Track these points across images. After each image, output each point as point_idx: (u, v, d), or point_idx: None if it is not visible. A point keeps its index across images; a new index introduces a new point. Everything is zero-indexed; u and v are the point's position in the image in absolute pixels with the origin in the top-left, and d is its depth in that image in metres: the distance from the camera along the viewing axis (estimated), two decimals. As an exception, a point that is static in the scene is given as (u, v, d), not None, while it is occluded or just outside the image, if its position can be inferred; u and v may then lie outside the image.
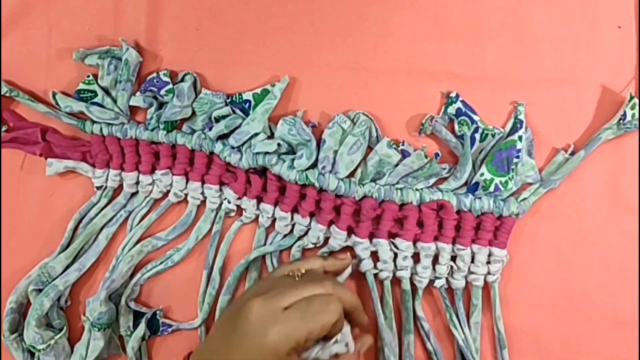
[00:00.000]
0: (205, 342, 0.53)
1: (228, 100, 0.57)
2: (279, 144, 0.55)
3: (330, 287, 0.49)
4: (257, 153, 0.55)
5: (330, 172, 0.55)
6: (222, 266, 0.58)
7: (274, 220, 0.57)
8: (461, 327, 0.55)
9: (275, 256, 0.57)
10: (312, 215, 0.56)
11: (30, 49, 0.60)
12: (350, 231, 0.56)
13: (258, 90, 0.57)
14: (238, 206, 0.58)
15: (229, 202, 0.57)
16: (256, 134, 0.56)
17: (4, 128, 0.59)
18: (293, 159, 0.55)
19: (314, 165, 0.55)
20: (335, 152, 0.55)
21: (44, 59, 0.60)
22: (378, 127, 0.56)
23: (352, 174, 0.55)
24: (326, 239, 0.57)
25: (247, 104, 0.57)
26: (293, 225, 0.57)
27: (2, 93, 0.58)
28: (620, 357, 0.55)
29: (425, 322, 0.55)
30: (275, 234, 0.58)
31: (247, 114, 0.57)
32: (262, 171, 0.57)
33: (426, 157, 0.54)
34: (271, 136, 0.57)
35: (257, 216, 0.58)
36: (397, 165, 0.54)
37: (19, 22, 0.60)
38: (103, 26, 0.60)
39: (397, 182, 0.55)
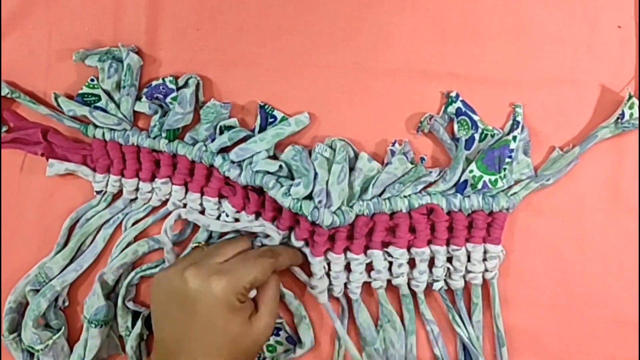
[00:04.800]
0: (157, 344, 0.51)
1: (261, 104, 0.57)
2: (280, 166, 0.54)
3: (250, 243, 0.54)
4: (257, 172, 0.55)
5: (325, 205, 0.53)
6: None
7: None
8: (464, 326, 0.55)
9: None
10: (306, 241, 0.56)
11: (30, 50, 0.60)
12: (345, 250, 0.56)
13: (292, 119, 0.56)
14: (236, 220, 0.57)
15: (227, 216, 0.57)
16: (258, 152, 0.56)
17: (4, 129, 0.59)
18: (290, 185, 0.54)
19: (309, 196, 0.54)
20: (327, 182, 0.54)
21: (44, 59, 0.60)
22: (355, 148, 0.56)
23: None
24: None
25: (273, 120, 0.57)
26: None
27: (3, 94, 0.58)
28: (620, 357, 0.55)
29: (435, 325, 0.55)
30: None
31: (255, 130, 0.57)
32: (261, 189, 0.56)
33: (412, 162, 0.54)
34: (273, 157, 0.56)
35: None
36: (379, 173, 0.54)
37: (19, 23, 0.60)
38: (103, 26, 0.60)
39: (384, 192, 0.55)
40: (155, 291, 0.51)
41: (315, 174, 0.54)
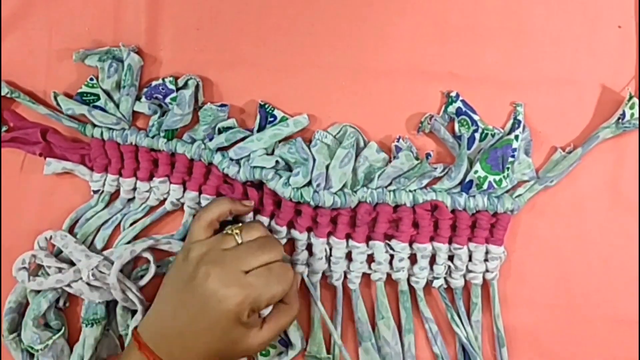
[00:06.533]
0: (154, 315, 0.51)
1: (261, 103, 0.57)
2: (277, 161, 0.55)
3: (282, 252, 0.51)
4: (255, 167, 0.55)
5: (324, 187, 0.55)
6: None
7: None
8: (463, 326, 0.55)
9: None
10: (309, 229, 0.56)
11: (30, 50, 0.60)
12: (347, 236, 0.56)
13: (291, 120, 0.56)
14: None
15: None
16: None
17: (4, 128, 0.59)
18: (289, 176, 0.55)
19: (308, 183, 0.55)
20: (327, 166, 0.55)
21: (44, 59, 0.60)
22: (365, 137, 0.56)
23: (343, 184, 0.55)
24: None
25: (273, 119, 0.57)
26: (289, 239, 0.57)
27: (3, 94, 0.58)
28: (620, 357, 0.55)
29: (434, 323, 0.56)
30: None
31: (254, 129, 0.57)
32: (259, 184, 0.57)
33: (417, 158, 0.54)
34: (270, 153, 0.56)
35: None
36: (386, 166, 0.55)
37: (19, 23, 0.60)
38: (103, 27, 0.60)
39: (390, 184, 0.55)
40: (179, 263, 0.51)
41: (314, 160, 0.54)
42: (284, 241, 0.57)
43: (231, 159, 0.56)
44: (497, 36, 0.57)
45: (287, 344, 0.56)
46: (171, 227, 0.59)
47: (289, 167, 0.56)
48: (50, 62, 0.60)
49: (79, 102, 0.57)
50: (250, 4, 0.59)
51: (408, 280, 0.56)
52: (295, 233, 0.56)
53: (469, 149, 0.55)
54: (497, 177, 0.54)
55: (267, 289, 0.49)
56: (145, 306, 0.56)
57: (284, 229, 0.56)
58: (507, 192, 0.55)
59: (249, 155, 0.56)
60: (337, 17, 0.58)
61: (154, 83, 0.57)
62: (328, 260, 0.56)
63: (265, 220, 0.56)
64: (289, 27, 0.59)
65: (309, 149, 0.55)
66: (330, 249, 0.56)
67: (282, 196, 0.55)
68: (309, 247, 0.57)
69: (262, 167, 0.55)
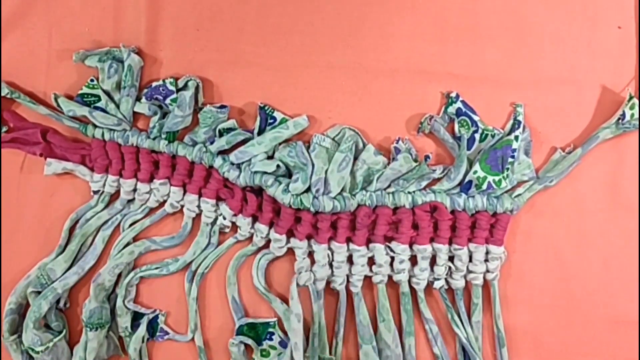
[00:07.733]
0: None
1: (261, 105, 0.57)
2: (278, 166, 0.55)
3: None
4: (255, 172, 0.55)
5: (323, 193, 0.55)
6: (202, 273, 0.58)
7: (268, 241, 0.57)
8: (463, 326, 0.55)
9: (261, 271, 0.57)
10: (308, 237, 0.56)
11: (31, 50, 0.60)
12: (348, 240, 0.56)
13: (290, 122, 0.56)
14: (233, 223, 0.58)
15: (224, 219, 0.57)
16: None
17: (4, 129, 0.59)
18: (289, 183, 0.55)
19: (308, 189, 0.55)
20: (326, 171, 0.55)
21: (44, 59, 0.60)
22: (364, 139, 0.56)
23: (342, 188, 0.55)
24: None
25: (273, 121, 0.57)
26: (289, 249, 0.57)
27: (3, 94, 0.58)
28: (620, 357, 0.55)
29: (434, 324, 0.56)
30: (267, 252, 0.57)
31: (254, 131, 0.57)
32: (259, 190, 0.57)
33: (416, 160, 0.54)
34: (271, 157, 0.56)
35: (252, 235, 0.57)
36: (385, 169, 0.55)
37: (19, 23, 0.60)
38: (103, 27, 0.60)
39: (389, 186, 0.55)
40: None
41: (313, 166, 0.54)
42: (283, 250, 0.57)
43: (232, 163, 0.56)
44: (497, 36, 0.57)
45: (287, 345, 0.56)
46: (171, 229, 0.59)
47: (288, 171, 0.56)
48: (50, 62, 0.60)
49: (80, 104, 0.57)
50: (250, 4, 0.59)
51: (409, 281, 0.56)
52: (295, 241, 0.56)
53: (468, 149, 0.55)
54: (497, 178, 0.54)
55: None
56: None
57: (283, 237, 0.56)
58: (506, 192, 0.55)
59: (249, 159, 0.56)
60: (337, 17, 0.58)
61: (154, 84, 0.57)
62: (330, 265, 0.56)
63: (264, 228, 0.56)
64: (289, 27, 0.59)
65: (309, 153, 0.55)
66: (332, 254, 0.56)
67: (282, 203, 0.55)
68: (310, 254, 0.57)
69: (263, 173, 0.55)
